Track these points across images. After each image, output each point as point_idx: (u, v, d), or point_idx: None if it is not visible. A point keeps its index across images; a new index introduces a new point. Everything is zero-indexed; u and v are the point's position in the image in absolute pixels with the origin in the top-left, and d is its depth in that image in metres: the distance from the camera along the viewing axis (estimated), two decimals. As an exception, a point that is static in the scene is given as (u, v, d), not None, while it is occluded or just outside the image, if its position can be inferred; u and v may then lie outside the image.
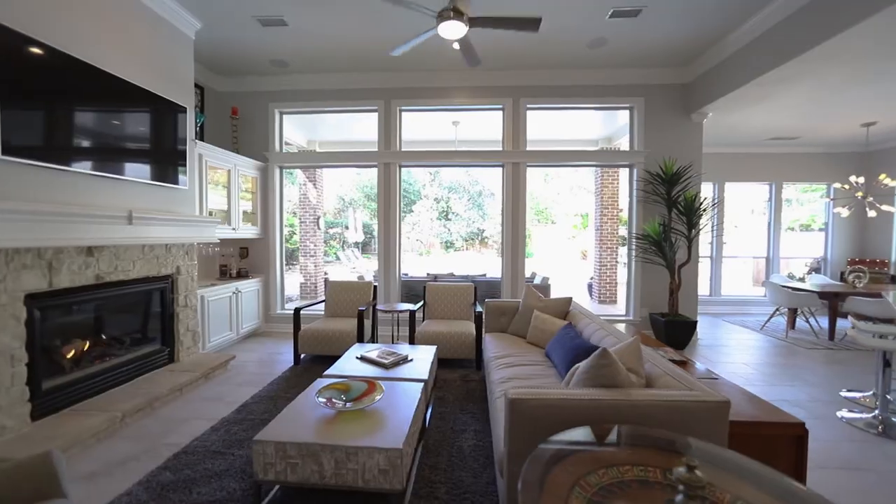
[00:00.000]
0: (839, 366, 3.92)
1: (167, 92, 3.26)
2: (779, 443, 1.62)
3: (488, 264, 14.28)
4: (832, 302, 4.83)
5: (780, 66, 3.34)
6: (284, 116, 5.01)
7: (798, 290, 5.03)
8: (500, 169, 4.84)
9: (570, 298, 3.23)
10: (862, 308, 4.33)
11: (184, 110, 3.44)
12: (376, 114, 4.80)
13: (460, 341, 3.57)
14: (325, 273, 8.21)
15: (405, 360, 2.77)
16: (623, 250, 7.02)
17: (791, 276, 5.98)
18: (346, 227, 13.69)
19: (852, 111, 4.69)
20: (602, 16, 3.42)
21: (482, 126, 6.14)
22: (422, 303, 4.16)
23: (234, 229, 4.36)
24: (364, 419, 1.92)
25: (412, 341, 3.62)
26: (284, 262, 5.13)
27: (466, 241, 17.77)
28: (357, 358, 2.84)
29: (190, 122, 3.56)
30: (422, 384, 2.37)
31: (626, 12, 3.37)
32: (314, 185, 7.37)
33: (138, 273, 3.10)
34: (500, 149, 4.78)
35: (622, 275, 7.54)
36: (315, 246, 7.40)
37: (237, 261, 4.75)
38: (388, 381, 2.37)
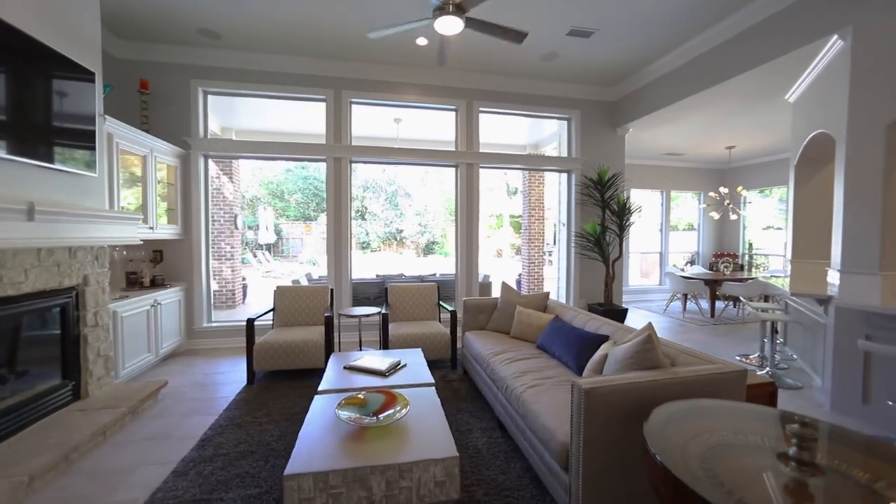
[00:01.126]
0: (726, 337, 4.90)
1: (70, 51, 2.54)
2: (761, 399, 1.97)
3: (407, 264, 14.22)
4: (712, 287, 6.00)
5: (688, 97, 4.06)
6: (210, 97, 4.29)
7: (690, 278, 6.12)
8: (454, 169, 4.89)
9: (548, 293, 3.43)
10: (736, 290, 5.46)
11: (91, 77, 2.72)
12: (324, 104, 4.43)
13: (435, 342, 3.51)
14: (244, 279, 7.26)
15: (399, 365, 2.63)
16: (554, 247, 7.65)
17: (675, 267, 7.24)
18: (256, 228, 12.27)
19: (723, 136, 5.90)
20: (562, 32, 3.71)
21: (426, 126, 6.11)
22: (384, 305, 3.97)
23: (151, 228, 3.59)
24: (399, 432, 1.77)
25: (386, 346, 3.43)
26: (211, 267, 4.39)
27: (384, 241, 17.44)
28: (346, 368, 2.59)
29: (98, 93, 2.83)
30: (432, 388, 2.28)
31: (582, 32, 3.70)
32: (230, 178, 6.46)
33: (33, 286, 2.35)
34: (453, 149, 4.83)
35: (548, 271, 8.26)
36: (232, 248, 6.48)
37: (150, 267, 3.91)
38: (397, 388, 2.22)
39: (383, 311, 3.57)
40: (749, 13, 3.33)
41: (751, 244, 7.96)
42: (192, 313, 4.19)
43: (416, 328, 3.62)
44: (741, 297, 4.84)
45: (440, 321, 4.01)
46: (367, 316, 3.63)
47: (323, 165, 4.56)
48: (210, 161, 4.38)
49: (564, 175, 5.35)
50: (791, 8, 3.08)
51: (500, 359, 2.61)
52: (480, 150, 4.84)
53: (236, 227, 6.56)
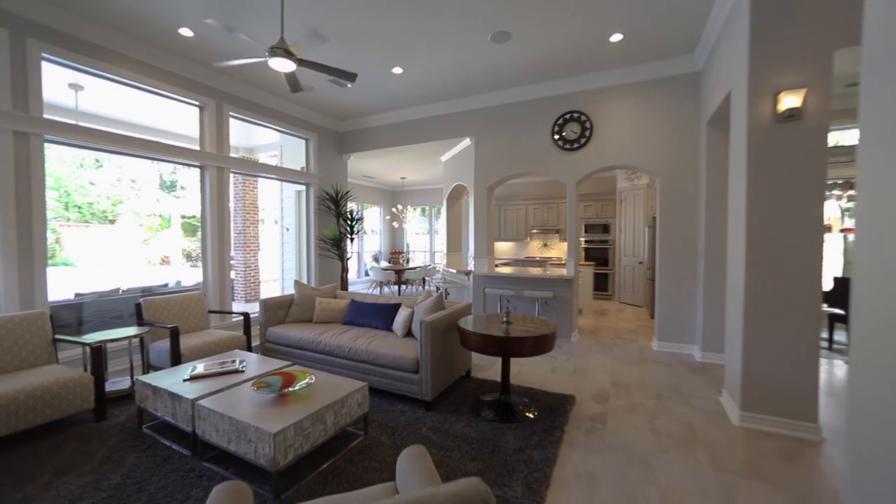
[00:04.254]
0: (413, 306, 7.44)
1: None
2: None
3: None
4: (399, 274, 8.59)
5: (393, 146, 6.09)
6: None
7: (387, 268, 8.45)
8: (198, 170, 4.59)
9: (336, 285, 4.29)
10: (414, 275, 8.21)
11: None
12: (-3, 54, 3.07)
13: (233, 345, 3.57)
14: None
15: (241, 361, 2.84)
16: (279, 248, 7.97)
17: (374, 262, 9.56)
18: None
19: (402, 171, 8.59)
20: (325, 79, 4.64)
21: (160, 117, 5.03)
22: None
23: None
24: (313, 391, 2.37)
25: (178, 361, 3.17)
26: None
27: None
28: (189, 379, 2.53)
29: None
30: (293, 366, 2.81)
31: (339, 82, 4.79)
32: None
33: None
34: (198, 149, 4.55)
35: (269, 272, 8.40)
36: None
37: None
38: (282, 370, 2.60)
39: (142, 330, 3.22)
40: (429, 109, 5.62)
41: (408, 244, 11.57)
42: None
43: (205, 338, 3.49)
44: (424, 277, 7.48)
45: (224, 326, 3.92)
46: (134, 336, 3.13)
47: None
48: None
49: (290, 184, 6.13)
50: (449, 116, 5.57)
51: (327, 336, 3.38)
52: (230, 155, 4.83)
53: None
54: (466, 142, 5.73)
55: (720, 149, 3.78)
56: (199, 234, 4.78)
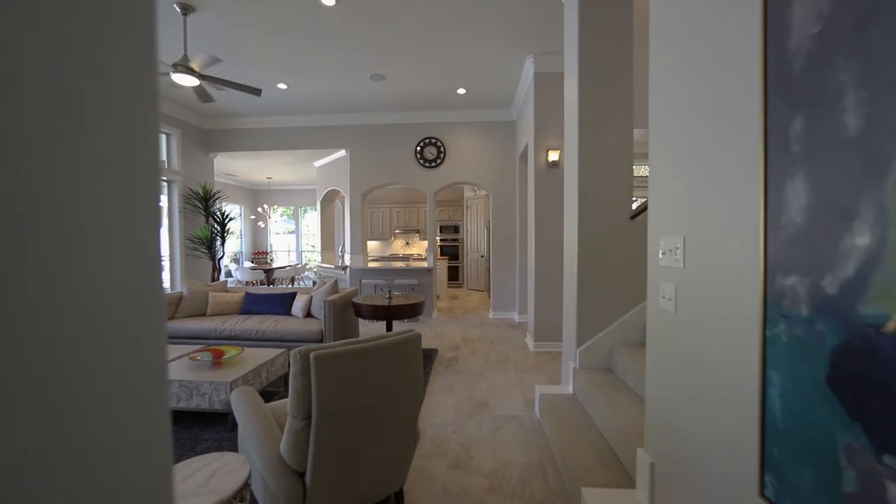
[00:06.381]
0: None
1: None
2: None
3: None
4: (268, 273, 8.60)
5: (264, 150, 6.41)
6: None
7: (255, 268, 8.37)
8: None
9: (227, 280, 4.50)
10: (284, 274, 8.40)
11: None
12: None
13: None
14: None
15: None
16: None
17: (248, 263, 9.19)
18: None
19: (268, 172, 8.62)
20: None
21: None
22: None
23: None
24: (243, 359, 2.94)
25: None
26: None
27: None
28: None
29: None
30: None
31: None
32: None
33: None
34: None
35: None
36: None
37: None
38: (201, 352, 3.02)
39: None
40: (306, 119, 6.18)
41: (272, 244, 11.34)
42: None
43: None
44: (294, 276, 7.82)
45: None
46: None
47: None
48: None
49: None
50: (327, 128, 6.24)
51: (230, 323, 3.79)
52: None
53: None
54: (342, 152, 6.49)
55: (525, 176, 5.62)
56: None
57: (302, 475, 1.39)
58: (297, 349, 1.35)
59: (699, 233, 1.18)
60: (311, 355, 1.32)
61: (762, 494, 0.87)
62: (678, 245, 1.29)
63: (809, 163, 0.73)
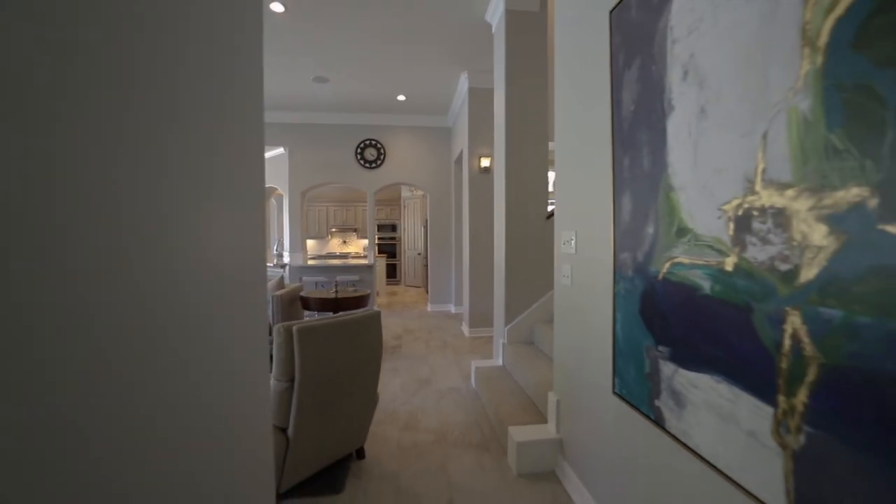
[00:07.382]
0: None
1: None
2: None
3: None
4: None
5: None
6: None
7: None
8: None
9: None
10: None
11: None
12: None
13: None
14: None
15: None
16: None
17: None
18: None
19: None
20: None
21: None
22: None
23: None
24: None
25: None
26: None
27: None
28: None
29: None
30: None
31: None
32: None
33: None
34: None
35: None
36: None
37: None
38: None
39: None
40: (243, 113, 6.04)
41: (195, 242, 10.57)
42: None
43: None
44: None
45: None
46: None
47: None
48: None
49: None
50: (268, 126, 6.15)
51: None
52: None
53: None
54: (280, 149, 6.44)
55: (460, 180, 6.13)
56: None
57: (284, 430, 1.66)
58: (280, 324, 1.62)
59: (584, 227, 1.69)
60: (294, 328, 1.61)
61: (614, 392, 1.38)
62: (572, 237, 1.80)
63: (631, 184, 1.24)
